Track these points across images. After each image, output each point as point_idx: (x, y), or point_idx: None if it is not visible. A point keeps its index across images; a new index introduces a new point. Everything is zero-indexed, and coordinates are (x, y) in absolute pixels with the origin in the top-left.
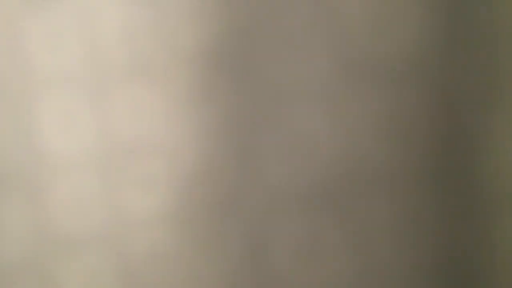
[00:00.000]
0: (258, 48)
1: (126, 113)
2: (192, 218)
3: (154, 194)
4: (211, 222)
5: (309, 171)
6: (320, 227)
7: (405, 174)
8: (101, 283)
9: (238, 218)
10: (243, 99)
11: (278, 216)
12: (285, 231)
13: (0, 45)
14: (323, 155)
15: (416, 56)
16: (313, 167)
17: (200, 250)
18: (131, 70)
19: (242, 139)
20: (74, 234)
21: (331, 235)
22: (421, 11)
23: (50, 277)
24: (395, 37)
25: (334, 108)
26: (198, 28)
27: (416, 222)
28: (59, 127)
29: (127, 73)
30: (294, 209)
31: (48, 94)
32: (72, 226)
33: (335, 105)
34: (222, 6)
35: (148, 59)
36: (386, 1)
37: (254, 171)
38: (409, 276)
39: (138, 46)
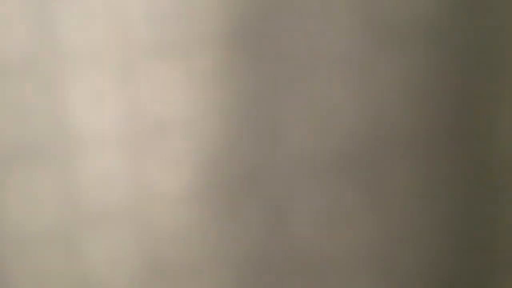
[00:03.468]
0: (276, 19)
1: (152, 92)
2: (214, 194)
3: (178, 171)
4: (233, 197)
5: (329, 138)
6: (340, 194)
7: (423, 137)
8: (125, 255)
9: (259, 191)
10: (263, 73)
11: (298, 185)
12: (306, 200)
13: (33, 26)
14: (342, 121)
15: (435, 18)
16: (332, 133)
17: (223, 226)
18: (157, 50)
19: (262, 113)
20: (101, 207)
21: (351, 202)
22: None
23: (77, 246)
24: None
25: (352, 74)
26: (221, 7)
27: (433, 184)
28: (89, 105)
29: (152, 53)
30: (315, 177)
31: (78, 73)
32: (100, 200)
33: (354, 71)
34: None
35: (173, 39)
36: None
37: (275, 144)
38: (427, 238)
39: (164, 26)
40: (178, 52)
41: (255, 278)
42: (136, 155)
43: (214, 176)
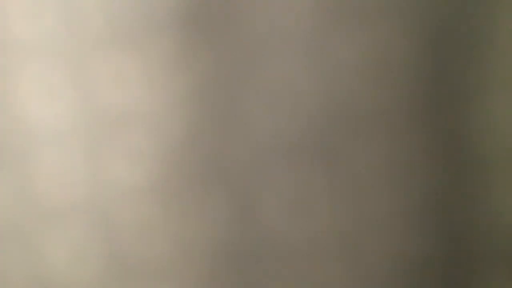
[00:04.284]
0: (234, 1)
1: (107, 82)
2: (178, 186)
3: (138, 164)
4: (198, 188)
5: (295, 122)
6: (307, 178)
7: (393, 118)
8: (86, 253)
9: (225, 179)
10: (222, 58)
11: (264, 171)
12: (273, 186)
13: None
14: (308, 104)
15: None
16: (299, 117)
17: (188, 218)
18: (110, 39)
19: (224, 99)
20: (59, 204)
21: (320, 186)
22: None
23: (36, 246)
24: None
25: (317, 54)
26: None
27: (406, 166)
28: (42, 98)
29: (106, 42)
30: (281, 162)
31: (29, 64)
32: (58, 196)
33: (315, 52)
34: None
35: (127, 27)
36: None
37: (239, 130)
38: (401, 221)
39: (116, 14)
40: (134, 40)
41: (223, 266)
42: (93, 149)
43: (177, 167)
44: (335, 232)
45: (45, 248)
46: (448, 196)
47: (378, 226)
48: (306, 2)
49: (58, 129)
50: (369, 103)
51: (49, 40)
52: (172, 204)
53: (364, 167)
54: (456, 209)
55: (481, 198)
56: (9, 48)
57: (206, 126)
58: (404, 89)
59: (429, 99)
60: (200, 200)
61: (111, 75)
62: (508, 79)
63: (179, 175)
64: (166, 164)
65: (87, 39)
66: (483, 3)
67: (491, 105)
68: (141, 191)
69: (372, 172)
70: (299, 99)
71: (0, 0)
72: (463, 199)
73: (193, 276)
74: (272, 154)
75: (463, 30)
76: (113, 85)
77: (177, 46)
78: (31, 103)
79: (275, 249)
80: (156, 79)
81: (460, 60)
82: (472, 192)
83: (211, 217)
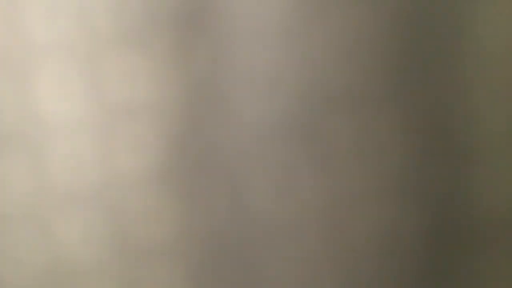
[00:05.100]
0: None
1: (116, 78)
2: (177, 174)
3: (144, 154)
4: (195, 175)
5: (278, 105)
6: (292, 161)
7: (366, 98)
8: (96, 236)
9: (218, 167)
10: (212, 49)
11: (253, 157)
12: (260, 171)
13: (0, 19)
14: (290, 86)
15: None
16: (281, 100)
17: (187, 204)
18: (119, 38)
19: (216, 89)
20: (71, 190)
21: (302, 166)
22: None
23: (49, 228)
24: None
25: (295, 39)
26: None
27: (383, 144)
28: (55, 93)
29: (115, 41)
30: (267, 147)
31: (44, 61)
32: (69, 184)
33: (294, 36)
34: None
35: (134, 27)
36: None
37: (226, 117)
38: (379, 199)
39: (124, 15)
40: (141, 39)
41: (218, 251)
42: (103, 139)
43: (177, 157)
44: (318, 211)
45: (59, 231)
46: (428, 173)
47: (359, 203)
48: None
49: (71, 122)
50: (345, 84)
51: (63, 41)
52: (171, 192)
53: (344, 146)
54: (436, 187)
55: (461, 176)
56: (27, 50)
57: (200, 116)
58: (379, 70)
59: (403, 79)
60: (196, 188)
61: (120, 72)
62: (488, 58)
63: (178, 165)
64: (167, 154)
65: (98, 39)
66: None
67: (466, 84)
68: (147, 178)
69: (351, 150)
70: (281, 82)
71: (18, 6)
72: (441, 177)
73: (195, 257)
74: (258, 137)
75: (437, 10)
76: (122, 81)
77: (176, 43)
78: (48, 99)
79: (262, 232)
80: (160, 74)
81: (434, 40)
82: (451, 171)
83: (207, 202)
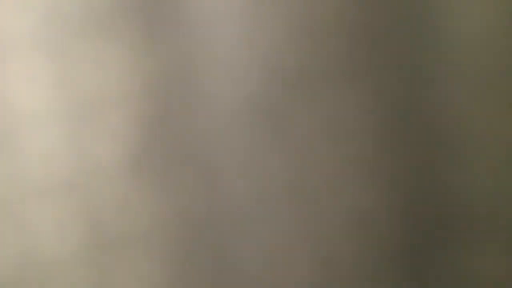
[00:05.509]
0: None
1: (86, 67)
2: (151, 162)
3: (116, 143)
4: (169, 163)
5: (249, 88)
6: (261, 144)
7: (341, 78)
8: (69, 228)
9: (192, 154)
10: (181, 37)
11: (225, 141)
12: (233, 155)
13: None
14: (258, 70)
15: None
16: (251, 83)
17: (161, 192)
18: (88, 24)
19: (186, 77)
20: (43, 181)
21: (272, 148)
22: None
23: (20, 221)
24: None
25: (248, 27)
26: None
27: (354, 124)
28: (24, 83)
29: (84, 27)
30: (238, 129)
31: (13, 51)
32: (40, 175)
33: (250, 24)
34: None
35: (104, 12)
36: None
37: (197, 102)
38: (349, 180)
39: (94, 2)
40: (109, 26)
41: (193, 237)
42: (74, 129)
43: (149, 145)
44: (288, 192)
45: (31, 223)
46: (401, 154)
47: (330, 184)
48: None
49: (41, 113)
50: (313, 65)
51: (31, 30)
52: (145, 181)
53: (313, 127)
54: (409, 168)
55: (434, 158)
56: None
57: (173, 104)
58: (349, 50)
59: (375, 59)
60: (170, 176)
61: (91, 61)
62: (462, 35)
63: (152, 154)
64: (140, 142)
65: (67, 28)
66: None
67: (439, 64)
68: (118, 168)
69: (320, 132)
70: (249, 67)
71: None
72: (414, 159)
73: (170, 245)
74: (229, 123)
75: None
76: (93, 70)
77: (147, 31)
78: (16, 90)
79: (238, 215)
80: (131, 62)
81: (406, 16)
82: (424, 153)
83: (181, 189)
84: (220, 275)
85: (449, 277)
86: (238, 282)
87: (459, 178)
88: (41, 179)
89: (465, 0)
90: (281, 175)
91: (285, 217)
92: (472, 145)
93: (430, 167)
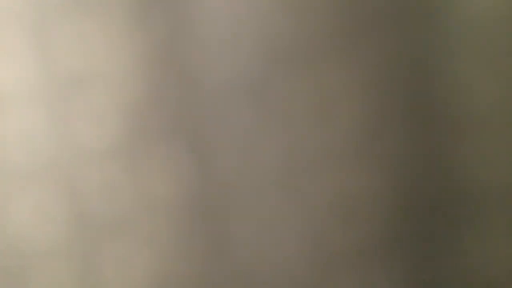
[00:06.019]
0: None
1: (68, 46)
2: (139, 145)
3: (100, 125)
4: (158, 144)
5: (238, 67)
6: (250, 121)
7: (329, 54)
8: (51, 214)
9: (183, 135)
10: (170, 17)
11: (214, 121)
12: (223, 135)
13: None
14: (247, 49)
15: None
16: (240, 62)
17: (150, 176)
18: (70, 2)
19: (177, 57)
20: (24, 166)
21: (263, 128)
22: None
23: (1, 207)
24: None
25: (247, 7)
26: None
27: (343, 101)
28: (3, 62)
29: (67, 5)
30: (229, 109)
31: None
32: (22, 159)
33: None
34: None
35: None
36: None
37: (188, 82)
38: (339, 158)
39: None
40: (92, 4)
41: (183, 220)
42: (56, 111)
43: (135, 127)
44: (278, 171)
45: (11, 210)
46: (390, 132)
47: (319, 163)
48: None
49: (21, 94)
50: (300, 41)
51: (11, 8)
52: (134, 163)
53: (302, 105)
54: (398, 147)
55: (423, 135)
56: None
57: (160, 85)
58: (338, 24)
59: (365, 36)
60: (161, 158)
61: (73, 39)
62: (463, 14)
63: (141, 134)
64: (125, 124)
65: (48, 5)
66: None
67: (431, 35)
68: (104, 151)
69: (309, 110)
70: (238, 46)
71: None
72: (404, 137)
73: (158, 232)
74: (217, 103)
75: None
76: (75, 49)
77: (132, 9)
78: None
79: (230, 195)
80: (116, 41)
81: None
82: (413, 130)
83: (172, 173)
84: (210, 258)
85: (435, 257)
86: (229, 263)
87: (448, 163)
88: (21, 164)
89: None
90: (270, 152)
91: (276, 195)
92: (462, 131)
93: (419, 151)
